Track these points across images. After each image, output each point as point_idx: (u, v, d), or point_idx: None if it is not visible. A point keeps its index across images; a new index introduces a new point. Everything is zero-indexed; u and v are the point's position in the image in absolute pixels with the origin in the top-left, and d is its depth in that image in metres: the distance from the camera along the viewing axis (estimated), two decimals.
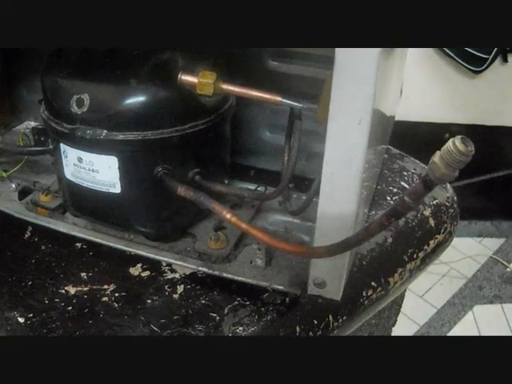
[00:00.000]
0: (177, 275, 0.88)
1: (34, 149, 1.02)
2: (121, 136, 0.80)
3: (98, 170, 0.83)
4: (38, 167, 1.11)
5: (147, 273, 0.89)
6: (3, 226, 1.01)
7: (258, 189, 1.01)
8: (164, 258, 0.89)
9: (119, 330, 0.80)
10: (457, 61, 2.34)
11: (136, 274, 0.89)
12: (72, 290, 0.86)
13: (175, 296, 0.85)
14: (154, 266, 0.90)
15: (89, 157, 0.83)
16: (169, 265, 0.90)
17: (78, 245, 0.95)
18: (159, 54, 0.82)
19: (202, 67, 0.81)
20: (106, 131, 0.80)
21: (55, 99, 0.86)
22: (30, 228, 1.00)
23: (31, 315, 0.82)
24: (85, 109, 0.81)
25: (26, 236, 0.98)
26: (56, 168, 0.93)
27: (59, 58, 0.89)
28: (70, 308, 0.83)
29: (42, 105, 0.91)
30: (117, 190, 0.84)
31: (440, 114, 2.51)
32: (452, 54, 2.33)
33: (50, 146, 0.92)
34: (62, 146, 0.86)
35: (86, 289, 0.87)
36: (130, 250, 0.91)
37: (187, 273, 0.88)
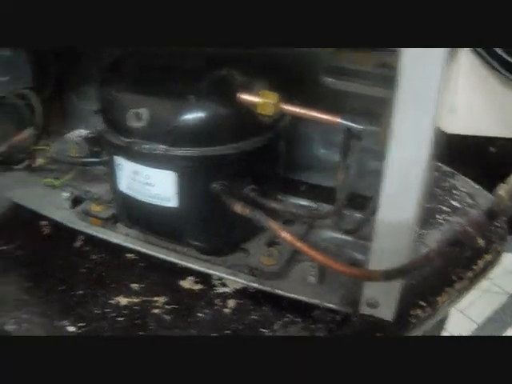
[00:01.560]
0: (228, 289, 0.88)
1: (88, 160, 1.03)
2: (179, 151, 0.81)
3: (155, 184, 0.84)
4: (88, 175, 1.13)
5: (198, 286, 0.89)
6: (55, 234, 1.03)
7: (310, 205, 1.01)
8: (216, 272, 0.89)
9: None
10: (503, 74, 2.31)
11: (187, 286, 0.89)
12: (123, 301, 0.87)
13: (226, 310, 0.85)
14: (205, 279, 0.90)
15: (145, 171, 0.84)
16: (220, 279, 0.90)
17: (130, 255, 0.96)
18: (217, 70, 0.82)
19: (259, 85, 0.81)
20: (163, 146, 0.81)
21: (112, 112, 0.86)
22: (81, 237, 1.01)
23: (82, 325, 0.83)
24: (143, 123, 0.81)
25: (78, 245, 1.00)
26: (110, 179, 0.94)
27: (115, 70, 0.90)
28: (121, 319, 0.84)
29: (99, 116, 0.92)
30: (172, 204, 0.85)
31: (486, 127, 2.49)
32: (498, 67, 2.30)
33: (105, 158, 0.92)
34: (118, 159, 0.87)
35: (137, 300, 0.87)
36: (183, 263, 0.91)
37: (238, 287, 0.88)
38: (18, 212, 1.09)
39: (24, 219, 1.08)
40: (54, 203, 1.06)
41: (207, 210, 0.87)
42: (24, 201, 1.09)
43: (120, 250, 0.96)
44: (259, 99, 0.78)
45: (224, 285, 0.89)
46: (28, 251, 1.00)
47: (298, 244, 0.74)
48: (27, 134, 1.05)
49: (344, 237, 0.95)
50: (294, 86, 0.85)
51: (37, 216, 1.06)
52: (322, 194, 1.03)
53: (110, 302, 0.87)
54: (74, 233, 1.01)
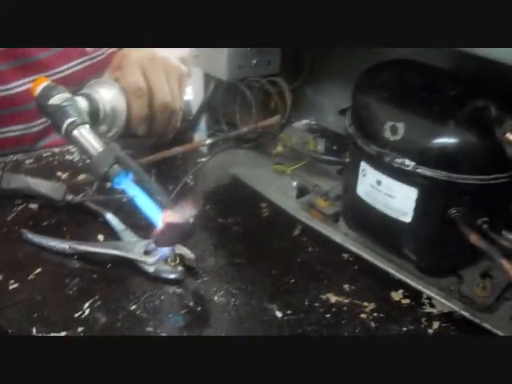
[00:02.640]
0: (434, 311, 0.89)
1: (329, 158, 1.06)
2: (426, 171, 0.83)
3: (396, 197, 0.87)
4: (315, 168, 1.16)
5: (407, 301, 0.91)
6: (274, 218, 1.08)
7: None
8: (429, 291, 0.90)
9: None
10: None
11: (397, 299, 0.91)
12: (332, 299, 0.90)
13: (429, 331, 0.86)
14: (414, 295, 0.91)
15: (389, 183, 0.87)
16: (429, 298, 0.91)
17: (345, 255, 0.99)
18: (478, 100, 0.83)
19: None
20: (414, 163, 0.83)
21: (367, 120, 0.90)
22: (299, 226, 1.05)
23: (289, 312, 0.87)
24: (398, 137, 0.84)
25: (296, 233, 1.04)
26: (347, 180, 0.98)
27: (373, 79, 0.93)
28: (328, 316, 0.87)
29: (346, 117, 0.95)
30: (407, 219, 0.87)
31: None
32: None
33: (348, 160, 0.96)
34: (363, 165, 0.90)
35: (346, 301, 0.90)
36: (399, 275, 0.93)
37: (445, 311, 0.89)
38: (240, 189, 1.16)
39: (244, 198, 1.14)
40: (280, 189, 1.11)
41: (438, 232, 0.88)
42: (250, 181, 1.15)
43: (336, 248, 1.00)
44: None
45: (432, 305, 0.90)
46: (245, 229, 1.05)
47: None
48: (274, 120, 1.09)
49: None
50: None
51: (257, 197, 1.12)
52: None
53: (320, 296, 0.90)
54: (293, 221, 1.06)
